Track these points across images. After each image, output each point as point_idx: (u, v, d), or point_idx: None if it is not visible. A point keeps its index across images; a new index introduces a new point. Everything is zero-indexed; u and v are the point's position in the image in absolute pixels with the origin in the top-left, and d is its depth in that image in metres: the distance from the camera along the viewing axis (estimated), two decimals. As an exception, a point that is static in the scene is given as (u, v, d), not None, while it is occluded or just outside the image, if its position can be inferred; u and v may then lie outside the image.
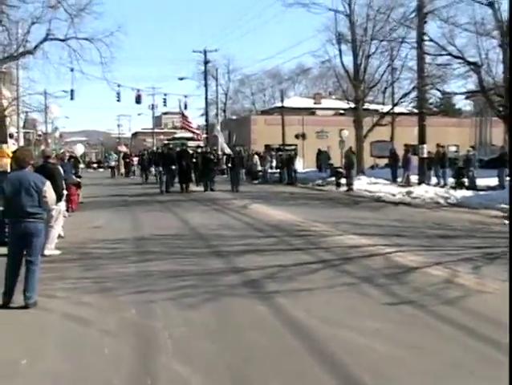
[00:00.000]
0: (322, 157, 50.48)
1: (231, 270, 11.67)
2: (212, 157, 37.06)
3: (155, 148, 63.56)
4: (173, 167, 33.48)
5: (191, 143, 55.85)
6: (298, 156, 49.53)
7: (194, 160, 35.95)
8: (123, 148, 68.53)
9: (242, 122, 71.46)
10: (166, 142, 78.17)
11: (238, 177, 35.96)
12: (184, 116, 61.52)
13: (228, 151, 49.44)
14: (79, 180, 23.08)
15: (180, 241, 15.54)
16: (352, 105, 43.15)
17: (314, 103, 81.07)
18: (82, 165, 39.11)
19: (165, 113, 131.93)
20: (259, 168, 45.78)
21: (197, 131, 62.82)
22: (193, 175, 35.65)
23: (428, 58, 32.96)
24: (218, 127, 57.40)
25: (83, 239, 15.79)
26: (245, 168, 43.98)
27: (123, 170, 59.68)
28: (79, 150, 31.10)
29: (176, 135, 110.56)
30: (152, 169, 44.26)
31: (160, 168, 33.81)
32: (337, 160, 43.94)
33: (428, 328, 8.00)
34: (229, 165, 38.50)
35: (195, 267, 11.92)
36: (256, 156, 47.08)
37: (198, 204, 26.07)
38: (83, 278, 11.08)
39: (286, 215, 21.23)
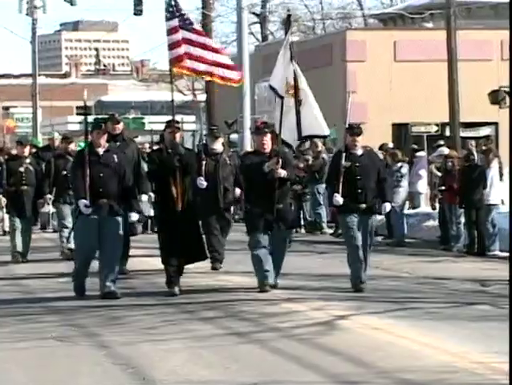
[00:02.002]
0: None
1: None
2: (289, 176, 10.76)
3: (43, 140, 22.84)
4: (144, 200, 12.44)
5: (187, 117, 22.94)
6: (494, 156, 16.12)
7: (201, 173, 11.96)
8: None
9: (318, 51, 29.66)
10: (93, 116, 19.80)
11: (369, 238, 10.99)
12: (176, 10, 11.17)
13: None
14: None
15: None
16: None
17: None
18: None
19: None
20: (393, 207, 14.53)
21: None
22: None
23: None
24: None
25: None
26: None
27: None
28: None
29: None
30: (50, 209, 16.65)
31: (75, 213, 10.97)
32: None
33: None
34: (343, 195, 10.59)
35: None
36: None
37: (187, 319, 9.21)
38: None
39: (469, 351, 7.22)
